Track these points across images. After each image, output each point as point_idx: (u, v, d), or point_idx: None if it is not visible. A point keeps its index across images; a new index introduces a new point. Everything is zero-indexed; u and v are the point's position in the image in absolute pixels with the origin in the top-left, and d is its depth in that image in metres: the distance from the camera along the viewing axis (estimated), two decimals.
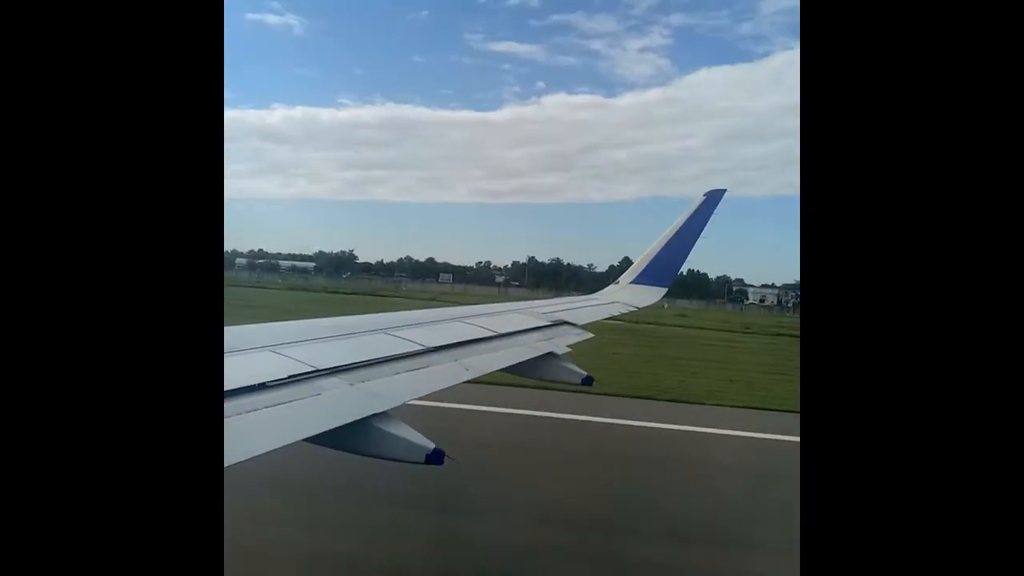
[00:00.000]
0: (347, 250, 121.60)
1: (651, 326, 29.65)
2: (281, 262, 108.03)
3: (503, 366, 3.43)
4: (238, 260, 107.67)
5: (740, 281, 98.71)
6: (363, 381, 2.48)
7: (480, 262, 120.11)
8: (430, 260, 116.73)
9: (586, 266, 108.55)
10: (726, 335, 30.90)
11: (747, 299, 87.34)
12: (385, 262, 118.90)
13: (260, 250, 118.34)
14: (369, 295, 48.03)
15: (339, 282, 74.27)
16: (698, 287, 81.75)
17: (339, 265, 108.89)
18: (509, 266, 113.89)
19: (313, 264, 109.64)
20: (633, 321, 23.70)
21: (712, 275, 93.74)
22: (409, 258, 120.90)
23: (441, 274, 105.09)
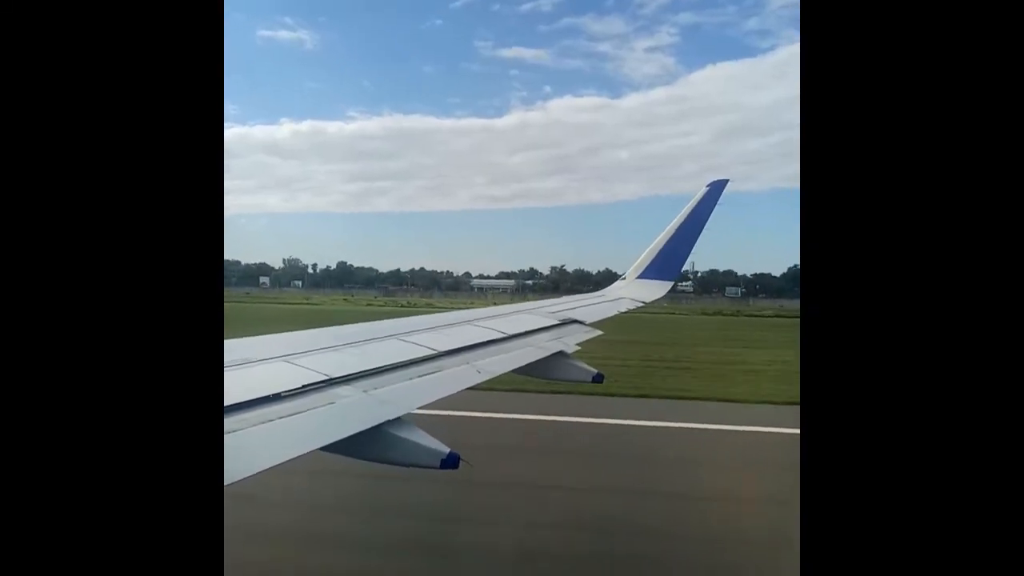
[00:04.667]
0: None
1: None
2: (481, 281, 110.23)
3: (514, 367, 3.43)
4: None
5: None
6: (376, 388, 2.49)
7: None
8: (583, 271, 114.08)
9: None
10: None
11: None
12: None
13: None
14: None
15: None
16: None
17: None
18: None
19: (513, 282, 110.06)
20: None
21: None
22: (561, 267, 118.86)
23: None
